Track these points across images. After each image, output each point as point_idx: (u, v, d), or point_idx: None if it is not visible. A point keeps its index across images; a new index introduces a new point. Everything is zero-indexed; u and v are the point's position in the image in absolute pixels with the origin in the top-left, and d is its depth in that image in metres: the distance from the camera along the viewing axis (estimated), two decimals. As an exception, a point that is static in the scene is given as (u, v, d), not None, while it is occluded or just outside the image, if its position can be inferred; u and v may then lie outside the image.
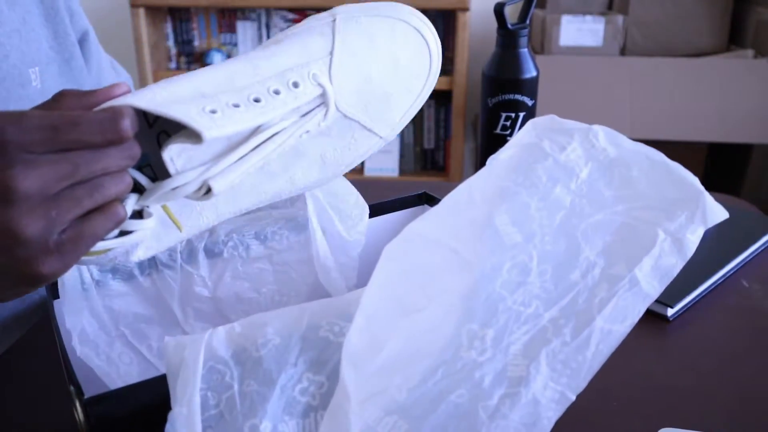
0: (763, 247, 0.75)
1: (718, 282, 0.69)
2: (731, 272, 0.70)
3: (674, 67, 1.92)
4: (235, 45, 2.38)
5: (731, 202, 0.87)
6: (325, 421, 0.37)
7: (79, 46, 0.71)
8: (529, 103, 0.77)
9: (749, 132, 1.83)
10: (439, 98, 2.37)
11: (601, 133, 0.41)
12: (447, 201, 0.41)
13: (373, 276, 0.40)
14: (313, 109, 0.46)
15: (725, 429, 0.51)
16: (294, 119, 0.45)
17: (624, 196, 0.39)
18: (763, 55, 1.91)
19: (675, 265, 0.38)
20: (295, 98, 0.44)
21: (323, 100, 0.46)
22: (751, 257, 0.73)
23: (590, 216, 0.39)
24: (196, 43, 2.39)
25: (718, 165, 2.03)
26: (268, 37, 2.36)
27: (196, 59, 2.39)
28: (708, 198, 0.38)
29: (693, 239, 0.38)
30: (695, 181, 0.39)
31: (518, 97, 0.77)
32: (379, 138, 0.51)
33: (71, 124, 0.35)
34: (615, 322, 0.38)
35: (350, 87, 0.48)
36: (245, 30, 2.36)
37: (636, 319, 0.38)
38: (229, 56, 2.39)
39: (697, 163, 1.97)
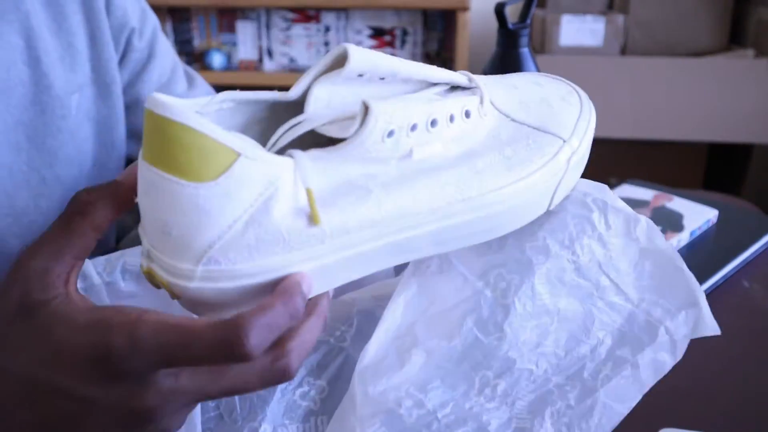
0: (763, 248, 0.75)
1: (719, 282, 0.69)
2: (732, 272, 0.70)
3: (674, 66, 1.92)
4: (235, 45, 2.38)
5: (732, 202, 0.87)
6: (330, 429, 0.37)
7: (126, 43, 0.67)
8: (530, 103, 0.77)
9: (749, 132, 1.83)
10: (439, 98, 2.37)
11: (643, 223, 0.42)
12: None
13: (399, 289, 0.40)
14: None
15: (726, 429, 0.51)
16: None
17: (640, 287, 0.41)
18: (764, 55, 1.91)
19: (667, 363, 0.41)
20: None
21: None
22: (751, 257, 0.73)
23: (609, 297, 0.41)
24: (196, 42, 2.39)
25: (718, 165, 2.02)
26: (268, 37, 2.36)
27: (195, 59, 2.39)
28: (705, 310, 0.41)
29: (683, 345, 0.41)
30: (701, 295, 0.41)
31: (518, 97, 0.76)
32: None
33: (182, 346, 0.31)
34: (616, 400, 0.39)
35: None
36: (245, 30, 2.36)
37: (633, 405, 0.40)
38: (228, 56, 2.39)
39: (697, 163, 1.97)
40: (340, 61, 0.35)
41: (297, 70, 2.34)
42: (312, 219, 0.33)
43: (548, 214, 0.42)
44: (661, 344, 0.40)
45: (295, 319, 0.32)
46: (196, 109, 0.35)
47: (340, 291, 0.62)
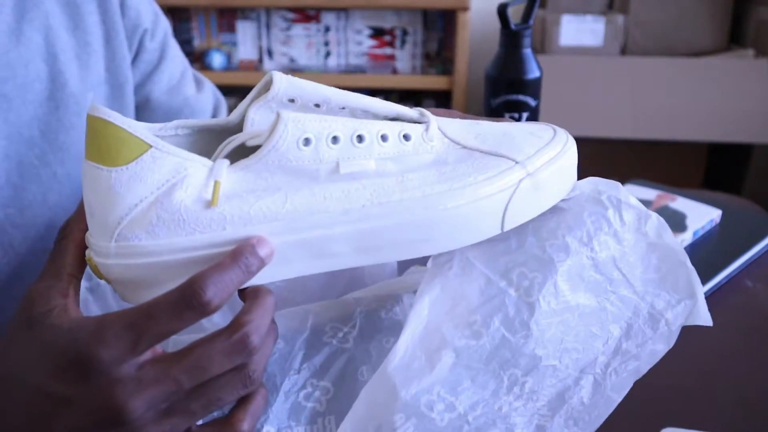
0: (767, 248, 0.75)
1: (722, 282, 0.69)
2: (735, 272, 0.70)
3: (674, 66, 1.92)
4: (235, 45, 2.38)
5: (735, 202, 0.87)
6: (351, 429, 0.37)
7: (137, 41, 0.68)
8: (533, 103, 0.77)
9: (749, 132, 1.83)
10: (439, 98, 2.37)
11: (654, 220, 0.43)
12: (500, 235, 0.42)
13: (422, 291, 0.40)
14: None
15: (727, 429, 0.51)
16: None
17: (646, 279, 0.43)
18: (764, 55, 1.91)
19: (662, 351, 0.42)
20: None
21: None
22: (755, 257, 0.73)
23: (620, 291, 0.42)
24: (196, 42, 2.39)
25: (718, 165, 2.03)
26: (268, 37, 2.36)
27: (195, 59, 2.39)
28: (701, 302, 0.43)
29: (677, 334, 0.43)
30: (699, 288, 0.43)
31: (522, 97, 0.76)
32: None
33: (146, 316, 0.34)
34: (616, 392, 0.41)
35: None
36: (245, 30, 2.36)
37: (626, 392, 0.42)
38: (228, 56, 2.39)
39: (697, 163, 1.97)
40: (269, 87, 0.39)
41: (297, 70, 2.34)
42: (210, 203, 0.37)
43: (565, 212, 0.43)
44: (660, 335, 0.42)
45: (247, 274, 0.36)
46: (152, 133, 0.39)
47: (343, 291, 0.62)
